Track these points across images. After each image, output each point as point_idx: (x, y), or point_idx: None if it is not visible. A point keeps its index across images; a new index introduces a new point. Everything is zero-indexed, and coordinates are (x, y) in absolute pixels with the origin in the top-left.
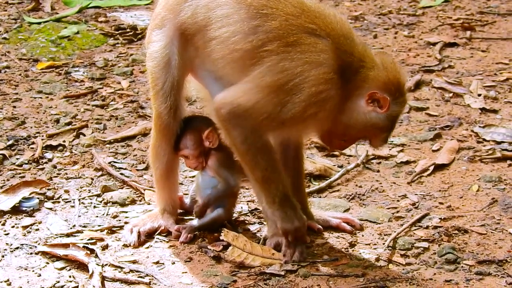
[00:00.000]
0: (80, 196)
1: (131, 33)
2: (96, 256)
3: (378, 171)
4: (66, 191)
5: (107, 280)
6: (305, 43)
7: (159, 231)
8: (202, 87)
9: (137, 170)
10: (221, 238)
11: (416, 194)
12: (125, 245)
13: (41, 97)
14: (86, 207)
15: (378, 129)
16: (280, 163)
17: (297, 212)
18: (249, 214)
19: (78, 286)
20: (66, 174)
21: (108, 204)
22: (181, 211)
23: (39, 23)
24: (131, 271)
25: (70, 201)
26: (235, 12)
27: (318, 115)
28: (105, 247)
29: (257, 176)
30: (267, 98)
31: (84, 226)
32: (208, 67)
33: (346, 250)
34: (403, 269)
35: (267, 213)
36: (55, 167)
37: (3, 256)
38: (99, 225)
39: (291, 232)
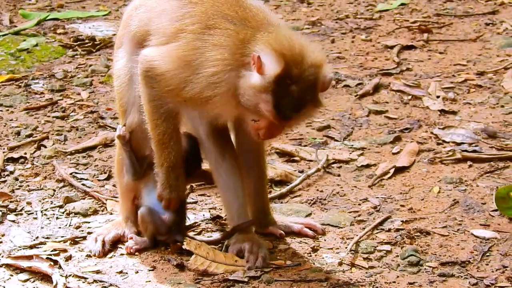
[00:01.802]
0: (42, 207)
1: (89, 44)
2: (60, 267)
3: (339, 175)
4: (29, 203)
5: None
6: (219, 28)
7: (123, 240)
8: None
9: (99, 180)
10: (183, 247)
11: (377, 197)
12: (88, 256)
13: (1, 110)
14: (48, 218)
15: (262, 94)
16: (180, 135)
17: (178, 184)
18: (211, 221)
19: None
20: (28, 186)
21: (71, 215)
22: None
23: None
24: (95, 281)
25: (32, 213)
26: (169, 4)
27: (214, 99)
28: (68, 258)
29: (154, 138)
30: (176, 71)
31: (47, 238)
32: None
33: (309, 255)
34: (366, 273)
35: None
36: (17, 179)
37: None
38: (62, 236)
39: (165, 200)
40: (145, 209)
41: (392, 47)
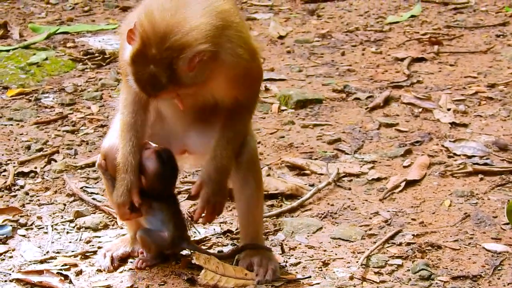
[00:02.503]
0: (53, 222)
1: (99, 57)
2: (70, 282)
3: (350, 188)
4: (39, 218)
5: None
6: None
7: (133, 255)
8: None
9: None
10: (193, 261)
11: (388, 211)
12: (99, 270)
13: (11, 124)
14: (59, 233)
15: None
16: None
17: (123, 188)
18: (221, 236)
19: None
20: (39, 200)
21: (81, 230)
22: None
23: (7, 51)
24: None
25: (43, 228)
26: None
27: None
28: (79, 273)
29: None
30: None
31: (58, 252)
32: None
33: (320, 269)
34: (377, 287)
35: None
36: (27, 193)
37: None
38: (72, 251)
39: (113, 205)
40: (142, 231)
41: (402, 60)
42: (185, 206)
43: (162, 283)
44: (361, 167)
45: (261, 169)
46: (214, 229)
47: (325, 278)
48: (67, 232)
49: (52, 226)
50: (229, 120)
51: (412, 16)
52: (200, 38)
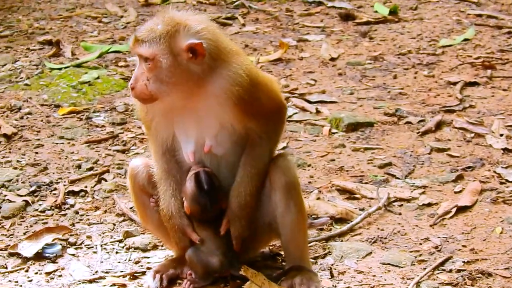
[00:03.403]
0: (102, 241)
1: None
2: None
3: (400, 213)
4: (89, 237)
5: None
6: None
7: (182, 276)
8: None
9: None
10: (240, 273)
11: (438, 237)
12: None
13: (62, 143)
14: (108, 252)
15: None
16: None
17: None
18: (270, 259)
19: None
20: (88, 219)
21: (130, 250)
22: None
23: (60, 69)
24: None
25: (92, 247)
26: None
27: None
28: None
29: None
30: None
31: (107, 272)
32: None
33: None
34: None
35: None
36: (77, 212)
37: None
38: (121, 271)
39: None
40: (191, 251)
41: (455, 84)
42: None
43: None
44: (411, 192)
45: (301, 195)
46: (263, 252)
47: None
48: (116, 252)
49: (101, 245)
50: (250, 156)
51: (465, 39)
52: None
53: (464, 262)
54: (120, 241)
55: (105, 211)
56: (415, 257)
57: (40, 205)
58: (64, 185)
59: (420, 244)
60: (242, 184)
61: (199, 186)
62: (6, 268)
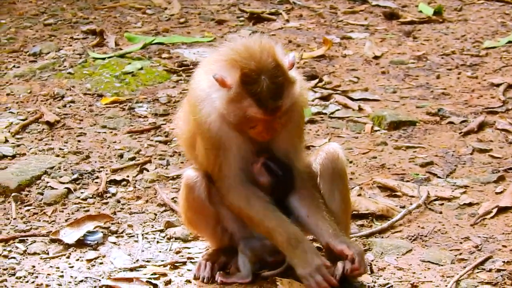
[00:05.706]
0: (143, 231)
1: (194, 69)
2: None
3: (441, 212)
4: (130, 226)
5: None
6: None
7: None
8: None
9: None
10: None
11: (479, 237)
12: (188, 281)
13: (105, 132)
14: (149, 242)
15: (239, 102)
16: (271, 207)
17: (308, 254)
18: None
19: None
20: (130, 209)
21: (171, 240)
22: None
23: (103, 59)
24: None
25: (133, 236)
26: None
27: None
28: (168, 283)
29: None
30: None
31: (148, 261)
32: None
33: None
34: None
35: None
36: (119, 201)
37: None
38: (162, 260)
39: (306, 278)
40: (244, 242)
41: (498, 85)
42: None
43: None
44: (453, 191)
45: (348, 185)
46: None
47: None
48: (157, 242)
49: (142, 234)
50: (307, 189)
51: (509, 41)
52: (269, 42)
53: (504, 262)
54: (161, 231)
55: (147, 201)
56: (455, 255)
57: (82, 193)
58: (106, 174)
59: (460, 243)
60: (319, 216)
61: (273, 174)
62: (48, 254)
